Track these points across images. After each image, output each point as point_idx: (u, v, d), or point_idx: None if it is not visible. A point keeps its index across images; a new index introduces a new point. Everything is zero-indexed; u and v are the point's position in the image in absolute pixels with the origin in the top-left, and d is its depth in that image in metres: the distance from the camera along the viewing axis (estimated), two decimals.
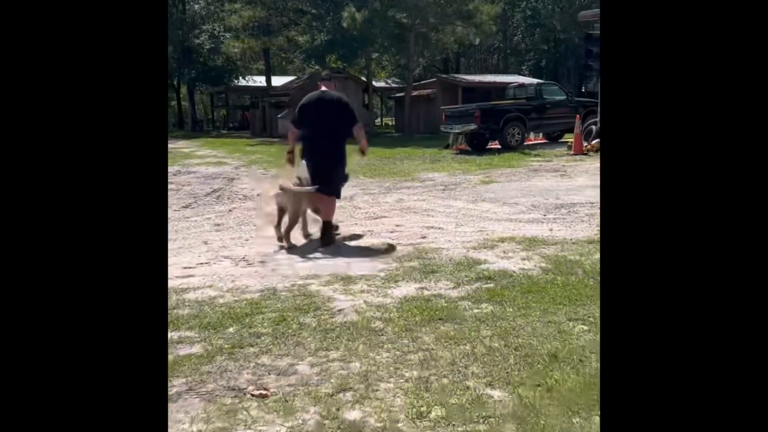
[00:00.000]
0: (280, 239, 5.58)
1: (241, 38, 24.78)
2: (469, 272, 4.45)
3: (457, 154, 15.66)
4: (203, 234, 6.32)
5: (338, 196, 5.90)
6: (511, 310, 3.61)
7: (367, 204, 8.11)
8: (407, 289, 4.12)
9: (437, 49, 26.68)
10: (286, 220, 5.59)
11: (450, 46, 26.89)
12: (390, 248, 5.40)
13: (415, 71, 27.85)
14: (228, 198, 8.93)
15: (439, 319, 3.49)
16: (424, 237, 5.80)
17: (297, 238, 5.77)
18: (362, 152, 6.02)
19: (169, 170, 13.67)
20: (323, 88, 5.87)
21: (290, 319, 3.57)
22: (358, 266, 4.78)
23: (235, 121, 41.70)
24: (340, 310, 3.72)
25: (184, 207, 8.13)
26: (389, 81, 35.00)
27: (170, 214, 7.55)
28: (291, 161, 5.95)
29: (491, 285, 4.12)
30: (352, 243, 5.75)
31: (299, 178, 5.64)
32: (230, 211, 7.75)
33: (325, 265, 4.90)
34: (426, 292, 4.02)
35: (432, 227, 6.29)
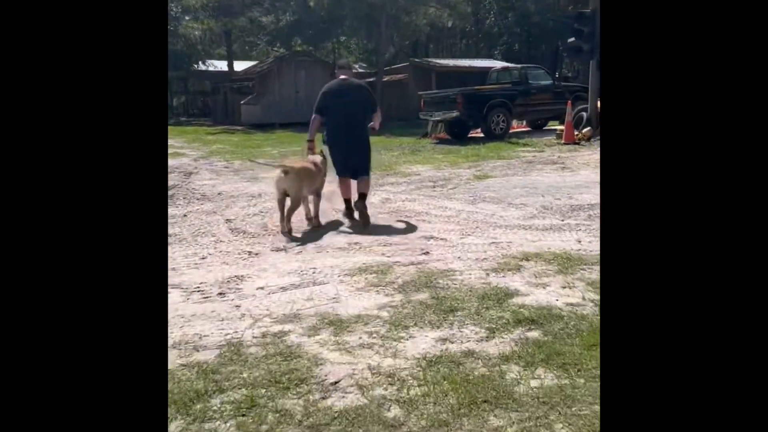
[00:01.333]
0: (285, 231, 5.45)
1: (200, 20, 23.08)
2: (501, 310, 3.34)
3: (436, 143, 14.55)
4: None
5: (368, 174, 6.10)
6: (582, 380, 2.52)
7: None
8: (423, 341, 2.99)
9: (409, 31, 25.44)
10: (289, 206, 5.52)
11: (422, 29, 25.68)
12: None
13: (386, 55, 26.53)
14: (183, 198, 7.64)
15: (484, 401, 2.37)
16: (426, 252, 4.68)
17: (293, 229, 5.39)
18: (374, 129, 6.27)
19: None
20: (343, 77, 6.10)
21: (263, 404, 2.41)
22: (351, 300, 3.63)
23: (195, 107, 39.73)
24: (334, 384, 2.57)
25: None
26: (356, 66, 33.57)
27: None
28: (312, 149, 6.12)
29: (537, 333, 3.03)
30: (332, 238, 4.58)
31: (314, 164, 5.84)
32: (185, 216, 6.48)
33: (308, 293, 3.74)
34: (452, 347, 2.89)
35: (433, 237, 5.17)
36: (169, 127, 21.38)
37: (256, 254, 4.84)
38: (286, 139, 17.34)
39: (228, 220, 6.16)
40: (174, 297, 3.79)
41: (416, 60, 25.73)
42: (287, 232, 5.41)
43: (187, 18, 26.07)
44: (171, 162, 11.88)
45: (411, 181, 8.68)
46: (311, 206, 5.92)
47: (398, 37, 26.37)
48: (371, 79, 26.78)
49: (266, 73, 23.03)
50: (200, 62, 32.20)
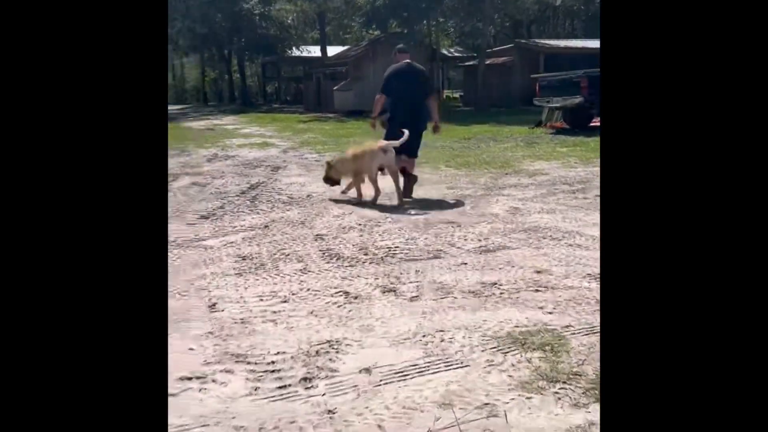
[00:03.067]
0: (371, 199, 6.06)
1: (293, 1, 22.16)
2: None
3: (554, 133, 12.73)
4: (214, 281, 3.81)
5: (417, 156, 6.64)
6: None
7: (465, 216, 5.46)
8: None
9: (514, 9, 23.38)
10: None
11: (530, 7, 23.53)
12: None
13: (488, 37, 24.60)
14: (267, 201, 6.42)
15: None
16: None
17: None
18: (435, 129, 6.70)
19: (204, 154, 11.36)
20: (407, 60, 6.53)
21: None
22: (521, 417, 2.16)
23: (288, 94, 39.33)
24: None
25: (203, 217, 5.66)
26: (451, 50, 31.74)
27: (181, 229, 5.10)
28: (374, 125, 6.89)
29: None
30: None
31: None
32: (266, 227, 5.23)
33: (441, 384, 2.30)
34: None
35: None
36: (260, 114, 20.60)
37: (356, 297, 3.47)
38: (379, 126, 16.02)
39: (318, 237, 4.85)
40: (236, 383, 2.46)
41: (522, 41, 23.67)
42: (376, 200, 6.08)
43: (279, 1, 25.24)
44: (258, 154, 10.84)
45: (539, 183, 7.07)
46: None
47: (500, 17, 24.35)
48: (472, 63, 25.02)
49: (360, 57, 21.81)
50: (293, 47, 31.57)
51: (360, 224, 5.25)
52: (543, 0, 21.87)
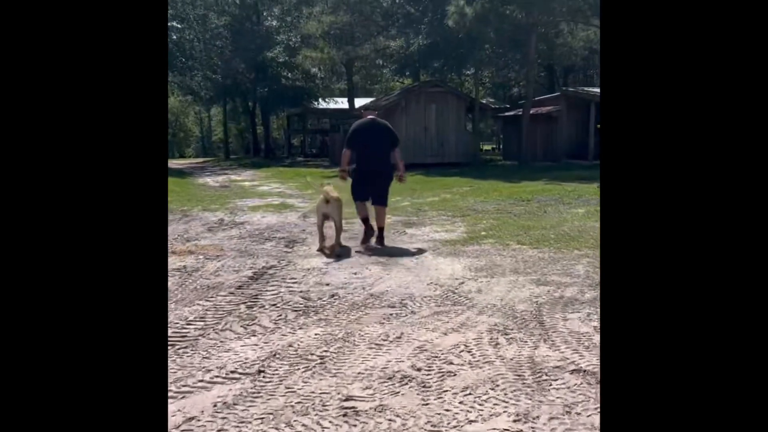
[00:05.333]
0: (326, 250, 6.18)
1: (319, 47, 20.69)
2: None
3: None
4: None
5: (386, 205, 6.77)
6: None
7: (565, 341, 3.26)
8: None
9: (562, 54, 21.56)
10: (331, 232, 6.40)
11: (578, 52, 21.69)
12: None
13: (524, 84, 22.73)
14: (271, 306, 4.30)
15: None
16: None
17: None
18: (401, 178, 6.77)
19: (208, 221, 9.37)
20: (370, 116, 6.84)
21: None
22: None
23: (314, 146, 37.82)
24: None
25: (181, 339, 3.55)
26: (482, 101, 29.88)
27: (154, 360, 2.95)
28: (344, 177, 6.91)
29: None
30: None
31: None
32: (260, 372, 3.08)
33: None
34: None
35: None
36: (282, 169, 18.55)
37: None
38: (418, 185, 13.93)
39: (350, 405, 2.68)
40: None
41: (570, 89, 21.71)
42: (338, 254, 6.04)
43: (304, 47, 23.80)
44: (272, 220, 8.80)
45: None
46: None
47: (542, 61, 22.52)
48: (512, 113, 23.15)
49: (392, 107, 20.02)
50: (319, 98, 30.13)
51: (420, 366, 3.07)
52: (592, 46, 19.99)
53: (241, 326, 3.83)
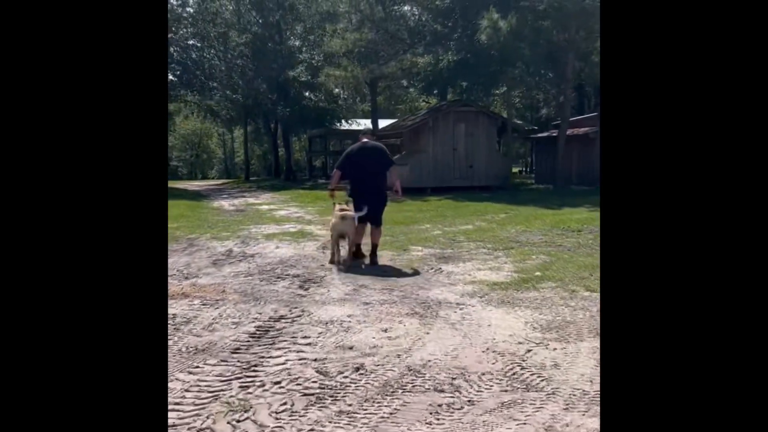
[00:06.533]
0: (343, 262, 6.56)
1: (343, 66, 19.75)
2: None
3: None
4: None
5: (380, 225, 6.98)
6: None
7: None
8: None
9: (599, 74, 20.38)
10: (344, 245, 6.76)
11: None
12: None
13: (554, 105, 21.50)
14: (285, 376, 3.17)
15: None
16: None
17: None
18: (397, 192, 7.04)
19: (216, 251, 8.36)
20: (365, 140, 7.14)
21: None
22: None
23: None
24: None
25: None
26: (516, 122, 28.68)
27: None
28: (332, 195, 7.35)
29: None
30: None
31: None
32: None
33: None
34: None
35: None
36: (302, 191, 17.47)
37: None
38: (448, 211, 12.76)
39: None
40: None
41: None
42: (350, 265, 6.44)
43: (328, 66, 22.89)
44: (287, 251, 7.71)
45: None
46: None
47: (575, 80, 21.29)
48: (543, 134, 21.94)
49: (418, 127, 18.94)
50: (342, 119, 29.24)
51: None
52: None
53: (228, 423, 2.70)
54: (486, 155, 19.37)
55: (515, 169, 36.27)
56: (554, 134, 20.42)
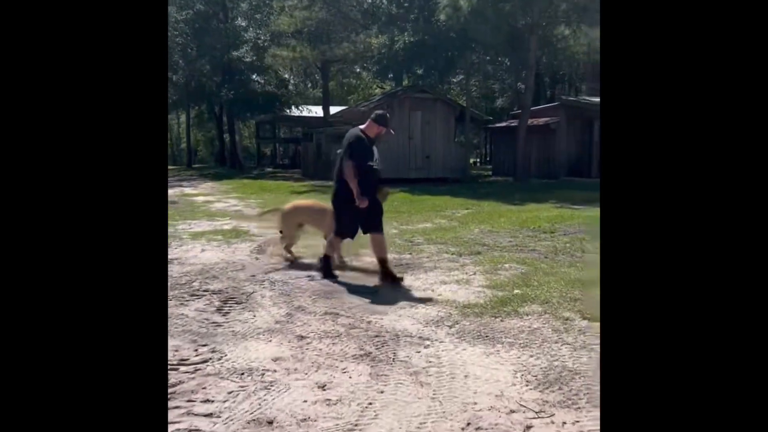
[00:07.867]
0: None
1: (291, 46, 18.31)
2: None
3: None
4: None
5: (382, 231, 5.43)
6: None
7: None
8: None
9: (564, 59, 19.56)
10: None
11: (580, 58, 19.68)
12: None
13: (509, 95, 20.67)
14: None
15: None
16: None
17: None
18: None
19: None
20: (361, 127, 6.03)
21: None
22: None
23: (286, 157, 35.24)
24: None
25: None
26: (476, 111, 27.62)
27: None
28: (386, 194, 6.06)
29: None
30: None
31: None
32: None
33: None
34: None
35: None
36: (247, 181, 15.92)
37: None
38: (403, 206, 11.65)
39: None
40: None
41: (570, 99, 19.72)
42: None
43: (274, 46, 21.29)
44: (214, 256, 6.45)
45: None
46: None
47: (542, 66, 20.45)
48: (502, 124, 21.09)
49: (369, 113, 17.80)
50: (292, 106, 27.69)
51: None
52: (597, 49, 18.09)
53: None
54: (443, 145, 18.33)
55: (472, 160, 35.51)
56: (513, 124, 19.57)
